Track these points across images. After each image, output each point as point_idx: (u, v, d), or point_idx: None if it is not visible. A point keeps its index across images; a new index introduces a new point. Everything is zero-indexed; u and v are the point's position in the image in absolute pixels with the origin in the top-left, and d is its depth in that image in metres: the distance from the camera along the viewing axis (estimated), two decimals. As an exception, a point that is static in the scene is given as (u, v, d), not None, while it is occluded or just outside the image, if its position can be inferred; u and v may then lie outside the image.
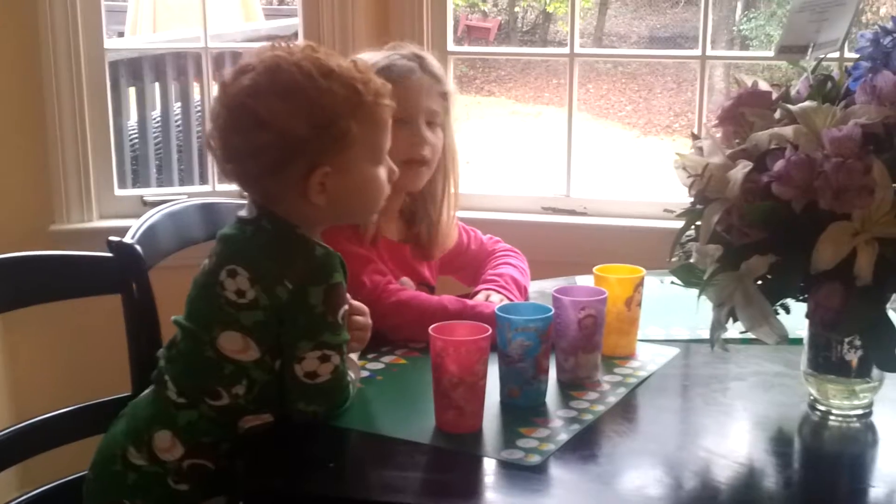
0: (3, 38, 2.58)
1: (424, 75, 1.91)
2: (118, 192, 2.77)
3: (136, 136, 4.27)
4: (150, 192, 2.87)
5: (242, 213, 1.50)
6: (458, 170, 2.00)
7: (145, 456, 1.47)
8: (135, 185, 4.13)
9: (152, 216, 1.93)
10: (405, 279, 1.90)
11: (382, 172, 1.52)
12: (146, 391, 1.55)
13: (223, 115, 1.45)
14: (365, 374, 1.60)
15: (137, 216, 1.97)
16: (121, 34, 5.69)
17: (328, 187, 1.45)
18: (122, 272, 1.77)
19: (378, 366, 1.65)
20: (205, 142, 1.50)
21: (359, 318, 1.57)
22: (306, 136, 1.41)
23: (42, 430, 1.76)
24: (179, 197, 2.43)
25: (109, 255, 1.77)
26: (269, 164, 1.43)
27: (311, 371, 1.43)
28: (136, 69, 4.09)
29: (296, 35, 2.87)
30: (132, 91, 4.16)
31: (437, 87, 1.93)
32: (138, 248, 1.78)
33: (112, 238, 1.78)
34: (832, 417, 1.49)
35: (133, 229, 1.85)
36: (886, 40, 1.44)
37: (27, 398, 2.69)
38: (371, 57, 1.91)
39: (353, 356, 1.55)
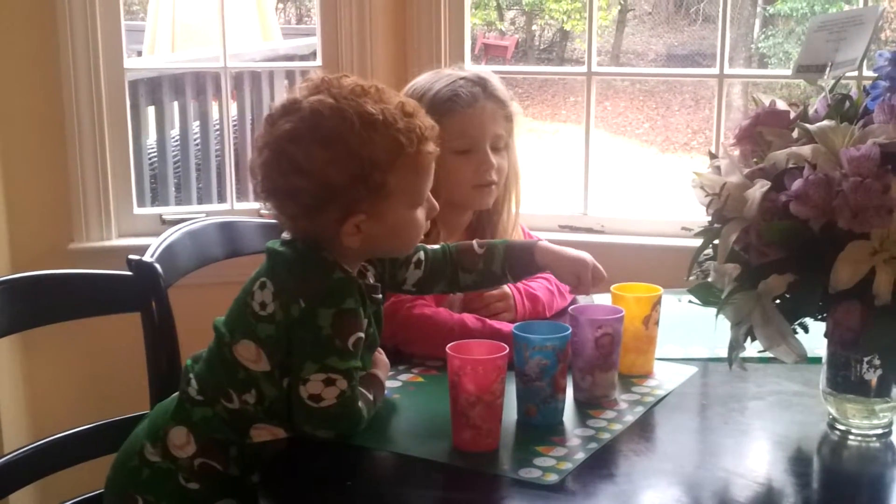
0: (24, 57, 2.61)
1: (488, 101, 1.91)
2: (137, 210, 2.78)
3: (156, 154, 4.29)
4: (168, 211, 2.88)
5: (285, 233, 1.53)
6: (521, 186, 2.01)
7: (159, 452, 1.50)
8: (153, 203, 4.15)
9: (171, 235, 1.94)
10: (459, 294, 1.90)
11: (420, 213, 1.52)
12: (174, 395, 1.58)
13: (265, 154, 1.47)
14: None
15: (156, 234, 1.99)
16: (139, 53, 5.73)
17: (362, 230, 1.46)
18: (142, 290, 1.78)
19: (395, 384, 1.65)
20: (249, 171, 1.52)
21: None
22: (343, 185, 1.43)
23: (61, 448, 1.77)
24: (198, 215, 2.44)
25: (129, 273, 1.78)
26: (304, 207, 1.45)
27: (315, 394, 1.43)
28: (155, 88, 4.11)
29: (314, 55, 2.88)
30: (151, 110, 4.18)
31: (501, 111, 1.93)
32: (158, 266, 1.79)
33: (132, 256, 1.79)
34: (852, 437, 1.48)
35: (152, 248, 1.86)
36: (905, 59, 1.44)
37: (46, 416, 2.70)
38: (434, 82, 1.90)
39: (381, 374, 1.57)
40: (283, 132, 1.45)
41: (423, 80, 1.94)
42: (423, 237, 1.85)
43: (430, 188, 1.54)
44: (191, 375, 1.53)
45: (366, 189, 1.44)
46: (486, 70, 2.00)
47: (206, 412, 1.49)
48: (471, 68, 1.98)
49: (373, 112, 1.44)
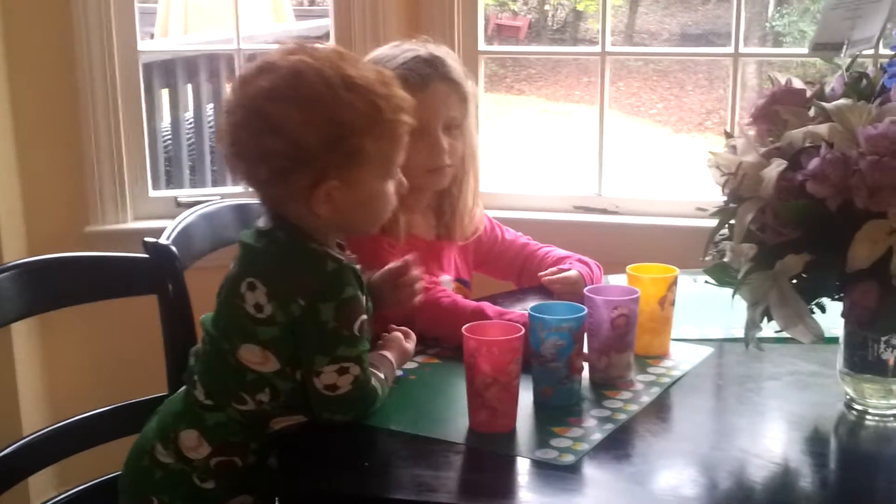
0: (38, 40, 2.61)
1: (441, 83, 1.86)
2: (152, 193, 2.79)
3: (170, 137, 4.30)
4: (183, 194, 2.89)
5: (260, 222, 1.49)
6: (478, 164, 2.00)
7: (172, 454, 1.49)
8: (168, 186, 4.15)
9: (187, 217, 1.95)
10: (445, 277, 1.90)
11: (391, 187, 1.50)
12: (181, 389, 1.57)
13: (238, 114, 1.43)
14: (398, 373, 1.60)
15: (171, 217, 1.99)
16: (151, 36, 5.72)
17: (334, 199, 1.43)
18: (158, 273, 1.79)
19: (411, 365, 1.66)
20: (216, 136, 1.49)
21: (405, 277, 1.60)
22: (318, 148, 1.39)
23: (79, 430, 1.78)
24: (213, 198, 2.44)
25: (145, 255, 1.79)
26: (276, 171, 1.41)
27: (331, 384, 1.42)
28: (168, 71, 4.11)
29: (327, 36, 2.88)
30: (165, 93, 4.18)
31: (455, 92, 1.88)
32: (174, 248, 1.80)
33: (148, 239, 1.79)
34: (869, 417, 1.48)
35: (168, 230, 1.87)
36: (922, 37, 1.43)
37: (64, 398, 2.71)
38: (388, 61, 1.86)
39: (390, 355, 1.56)
40: (260, 90, 1.41)
41: (379, 55, 1.90)
42: (402, 234, 1.83)
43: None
44: (195, 378, 1.51)
45: (341, 153, 1.40)
46: (442, 47, 1.94)
47: (219, 417, 1.47)
48: (431, 48, 1.91)
49: (353, 75, 1.41)
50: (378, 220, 1.54)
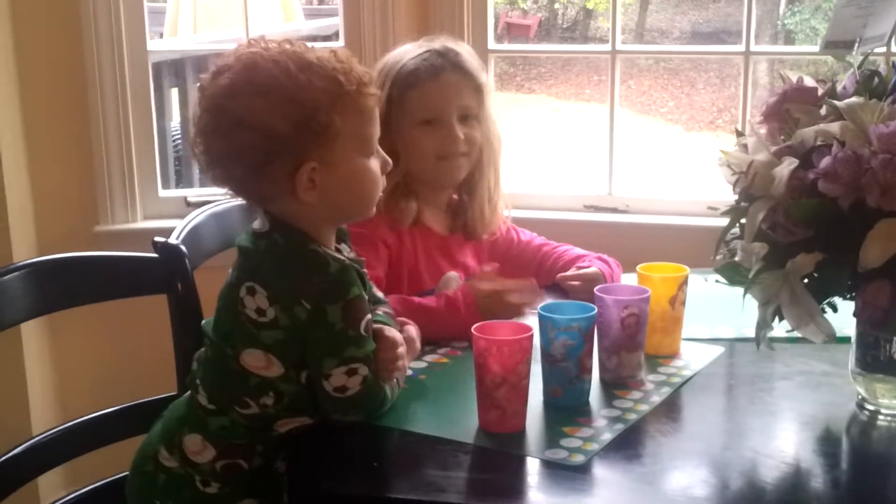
0: (47, 40, 2.61)
1: (453, 73, 1.90)
2: (162, 192, 2.79)
3: (179, 137, 4.30)
4: (193, 193, 2.88)
5: (256, 224, 1.48)
6: (499, 157, 2.01)
7: (177, 458, 1.48)
8: (178, 185, 4.15)
9: (196, 217, 1.95)
10: (452, 274, 1.90)
11: (374, 164, 1.48)
12: (186, 393, 1.56)
13: (204, 119, 1.43)
14: (408, 373, 1.60)
15: (181, 217, 1.99)
16: (161, 35, 5.73)
17: (317, 183, 1.41)
18: (168, 272, 1.79)
19: (421, 365, 1.65)
20: (189, 147, 1.49)
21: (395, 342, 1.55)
22: (288, 132, 1.38)
23: (88, 430, 1.78)
24: (222, 197, 2.44)
25: (155, 255, 1.79)
26: (253, 165, 1.40)
27: (340, 386, 1.42)
28: (178, 70, 4.11)
29: (336, 35, 2.87)
30: (175, 92, 4.18)
31: (468, 82, 1.92)
32: (183, 248, 1.80)
33: (157, 238, 1.79)
34: (881, 417, 1.47)
35: (178, 230, 1.87)
36: (935, 34, 1.42)
37: (73, 398, 2.72)
38: (402, 55, 1.92)
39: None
40: (219, 90, 1.41)
41: (395, 53, 1.94)
42: (406, 220, 1.84)
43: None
44: (198, 382, 1.50)
45: (311, 133, 1.39)
46: (460, 43, 1.99)
47: (222, 421, 1.47)
48: (445, 41, 1.95)
49: (307, 57, 1.42)
50: (369, 201, 1.51)
